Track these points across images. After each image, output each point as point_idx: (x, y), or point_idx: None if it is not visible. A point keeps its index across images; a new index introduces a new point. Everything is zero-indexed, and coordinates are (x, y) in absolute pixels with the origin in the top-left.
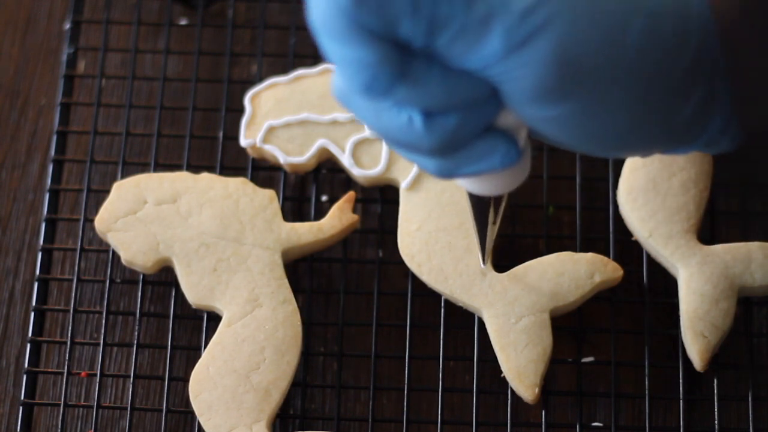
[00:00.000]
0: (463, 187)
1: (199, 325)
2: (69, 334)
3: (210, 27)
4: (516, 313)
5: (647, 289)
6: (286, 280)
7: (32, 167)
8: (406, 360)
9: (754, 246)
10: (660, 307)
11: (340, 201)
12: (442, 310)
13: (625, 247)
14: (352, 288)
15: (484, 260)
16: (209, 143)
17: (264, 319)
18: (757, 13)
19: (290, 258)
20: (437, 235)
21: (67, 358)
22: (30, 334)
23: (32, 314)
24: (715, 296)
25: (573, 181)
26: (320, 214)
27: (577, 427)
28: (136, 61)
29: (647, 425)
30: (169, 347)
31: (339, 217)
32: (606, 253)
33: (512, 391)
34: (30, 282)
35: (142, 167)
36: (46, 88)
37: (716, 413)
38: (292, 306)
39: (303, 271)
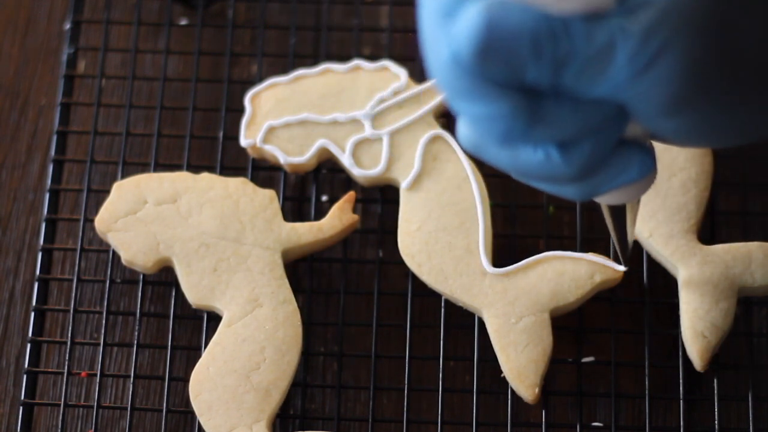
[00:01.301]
0: (598, 200)
1: (199, 325)
2: (69, 334)
3: (210, 27)
4: (516, 313)
5: (647, 289)
6: (286, 280)
7: (32, 167)
8: (406, 360)
9: (754, 246)
10: (660, 307)
11: (340, 201)
12: (442, 310)
13: None
14: (352, 288)
15: (626, 263)
16: (209, 143)
17: (264, 319)
18: None
19: (290, 258)
20: (437, 235)
21: (67, 358)
22: (30, 334)
23: (32, 314)
24: (715, 296)
25: None
26: (320, 214)
27: (577, 427)
28: (136, 61)
29: (647, 425)
30: (169, 347)
31: (339, 217)
32: (606, 253)
33: (512, 391)
34: (30, 282)
35: (142, 167)
36: (46, 88)
37: (716, 413)
38: (292, 306)
39: (303, 271)
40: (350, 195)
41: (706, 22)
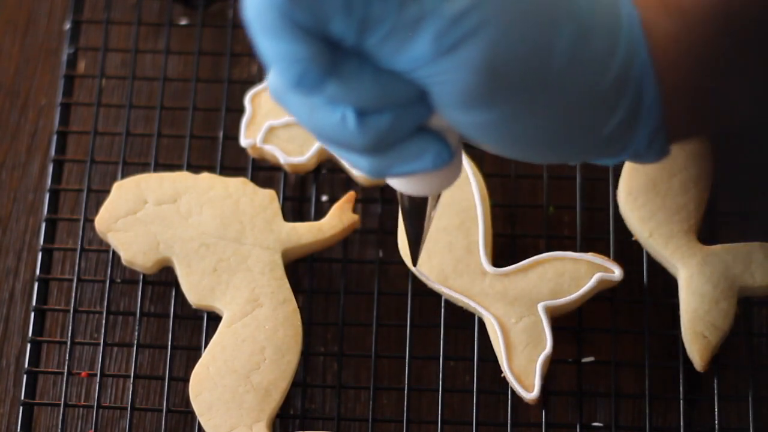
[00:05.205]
0: (395, 187)
1: (199, 325)
2: (69, 334)
3: (210, 27)
4: (516, 313)
5: (647, 289)
6: (286, 280)
7: (32, 167)
8: (406, 360)
9: (754, 246)
10: (660, 307)
11: (340, 201)
12: (442, 310)
13: (625, 247)
14: (352, 288)
15: (415, 262)
16: (209, 143)
17: (264, 319)
18: (691, 33)
19: (290, 258)
20: (437, 235)
21: (67, 358)
22: (30, 334)
23: (32, 314)
24: (715, 296)
25: (573, 181)
26: (320, 214)
27: (577, 427)
28: (136, 61)
29: (647, 425)
30: (169, 347)
31: (339, 217)
32: (606, 253)
33: (512, 391)
34: (30, 282)
35: (142, 167)
36: (46, 88)
37: (716, 413)
38: (292, 306)
39: (303, 271)
40: (350, 195)
41: (517, 20)
